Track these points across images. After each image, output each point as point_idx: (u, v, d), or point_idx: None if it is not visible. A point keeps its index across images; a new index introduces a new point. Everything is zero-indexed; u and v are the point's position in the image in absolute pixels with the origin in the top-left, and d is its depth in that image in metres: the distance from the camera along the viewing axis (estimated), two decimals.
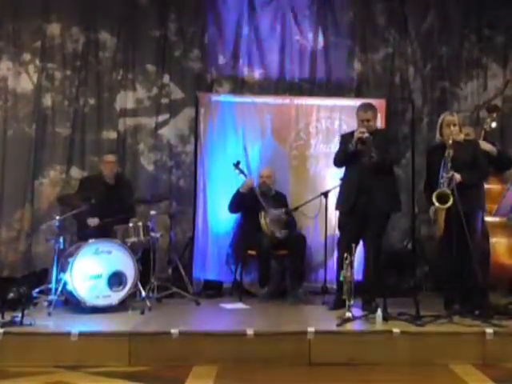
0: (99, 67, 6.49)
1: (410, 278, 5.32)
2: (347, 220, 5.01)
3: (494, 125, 5.49)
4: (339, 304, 4.78)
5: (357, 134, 4.80)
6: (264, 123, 6.32)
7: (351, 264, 4.50)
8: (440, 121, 4.82)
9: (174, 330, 4.00)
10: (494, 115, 5.55)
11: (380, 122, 6.22)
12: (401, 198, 5.20)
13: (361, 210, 4.86)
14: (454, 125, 4.70)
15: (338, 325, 4.23)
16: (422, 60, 6.68)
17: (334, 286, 5.20)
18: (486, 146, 5.21)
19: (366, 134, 4.77)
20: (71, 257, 4.81)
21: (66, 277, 4.77)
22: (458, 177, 4.50)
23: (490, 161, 4.99)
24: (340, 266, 4.83)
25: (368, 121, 4.95)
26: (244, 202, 5.79)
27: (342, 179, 5.19)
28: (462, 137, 4.76)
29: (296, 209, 5.78)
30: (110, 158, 5.77)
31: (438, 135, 4.82)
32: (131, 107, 6.49)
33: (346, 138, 5.06)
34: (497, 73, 6.67)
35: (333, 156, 5.21)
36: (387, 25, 6.69)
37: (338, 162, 5.15)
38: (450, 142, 4.56)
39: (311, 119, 6.34)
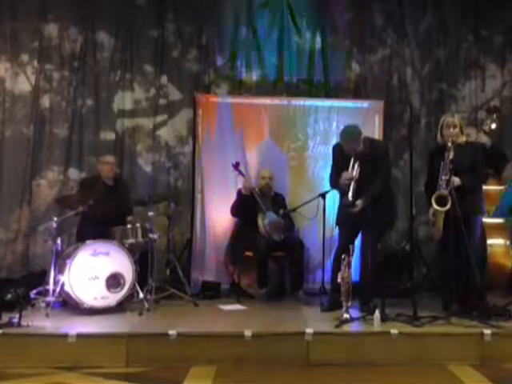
0: (97, 68, 6.49)
1: (408, 279, 5.32)
2: (342, 226, 5.04)
3: (493, 126, 5.48)
4: (333, 305, 4.79)
5: (342, 181, 4.80)
6: (262, 124, 6.32)
7: (349, 265, 4.50)
8: (441, 122, 4.78)
9: (171, 332, 4.00)
10: (494, 116, 5.55)
11: (377, 124, 6.24)
12: (397, 199, 5.21)
13: (354, 224, 4.89)
14: (455, 126, 4.65)
15: (336, 326, 4.22)
16: (419, 61, 6.69)
17: None
18: (481, 138, 5.23)
19: (353, 175, 4.77)
20: (69, 258, 4.80)
21: (63, 278, 4.76)
22: (456, 180, 4.49)
23: (484, 155, 4.94)
24: (334, 268, 4.85)
25: (354, 149, 4.83)
26: (245, 204, 5.78)
27: None
28: (463, 139, 4.72)
29: (294, 210, 5.77)
30: (109, 158, 5.77)
31: (438, 137, 4.78)
32: (129, 108, 6.50)
33: (336, 153, 5.06)
34: (495, 74, 6.68)
35: (331, 156, 5.20)
36: (385, 26, 6.71)
37: (332, 187, 5.19)
38: (450, 144, 4.55)
39: (309, 120, 6.35)
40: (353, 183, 4.75)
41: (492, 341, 3.97)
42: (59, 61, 6.44)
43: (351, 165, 4.79)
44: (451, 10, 6.70)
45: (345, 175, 4.79)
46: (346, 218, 4.92)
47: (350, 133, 4.90)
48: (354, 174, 4.77)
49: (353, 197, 4.74)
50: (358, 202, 4.76)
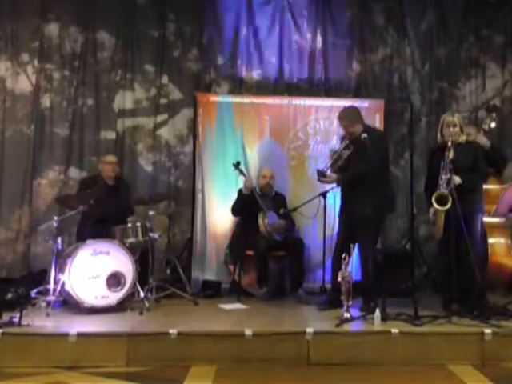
0: (98, 67, 6.50)
1: (409, 278, 5.31)
2: (341, 222, 5.06)
3: (493, 125, 5.47)
4: (331, 303, 4.79)
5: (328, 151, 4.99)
6: (262, 123, 6.32)
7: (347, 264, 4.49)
8: (441, 121, 4.78)
9: (172, 331, 4.00)
10: (494, 115, 5.54)
11: (378, 123, 6.23)
12: (397, 198, 5.20)
13: (349, 215, 4.92)
14: (454, 125, 4.65)
15: (336, 325, 4.22)
16: (420, 60, 6.69)
17: None
18: (481, 139, 5.22)
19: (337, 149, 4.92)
20: (69, 257, 4.80)
21: (64, 277, 4.76)
22: (457, 179, 4.48)
23: (484, 156, 4.92)
24: (333, 267, 4.85)
25: (346, 127, 4.91)
26: (245, 203, 5.78)
27: None
28: (463, 138, 4.72)
29: (295, 209, 5.77)
30: (111, 158, 5.75)
31: (438, 136, 4.78)
32: (130, 107, 6.51)
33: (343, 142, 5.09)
34: (495, 73, 6.68)
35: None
36: (386, 25, 6.71)
37: None
38: (450, 143, 4.55)
39: (309, 119, 6.35)
40: (334, 157, 4.82)
41: (493, 340, 3.96)
42: (60, 60, 6.46)
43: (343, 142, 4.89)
44: (452, 9, 6.71)
45: (332, 146, 4.82)
46: (344, 216, 4.94)
47: (344, 110, 5.02)
48: (339, 148, 4.84)
49: (329, 169, 4.81)
50: (332, 174, 4.82)
